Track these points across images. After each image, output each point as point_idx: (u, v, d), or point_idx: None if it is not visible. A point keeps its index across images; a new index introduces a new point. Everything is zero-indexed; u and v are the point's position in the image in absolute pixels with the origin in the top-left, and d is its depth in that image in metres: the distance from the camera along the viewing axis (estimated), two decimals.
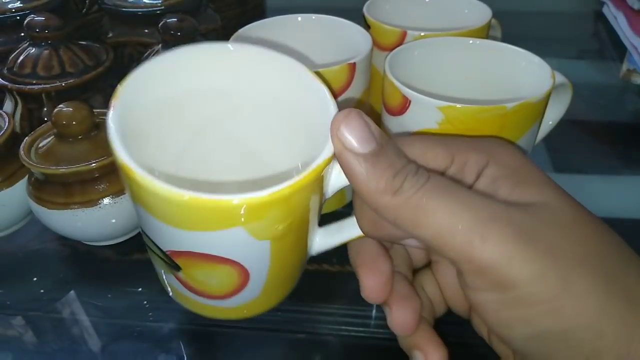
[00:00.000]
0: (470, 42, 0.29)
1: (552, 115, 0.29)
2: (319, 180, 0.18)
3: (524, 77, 0.27)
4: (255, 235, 0.18)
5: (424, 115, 0.24)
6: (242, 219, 0.17)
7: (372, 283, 0.19)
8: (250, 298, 0.22)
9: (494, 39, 0.38)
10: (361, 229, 0.20)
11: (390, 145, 0.16)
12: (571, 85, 0.28)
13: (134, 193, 0.18)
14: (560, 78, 0.27)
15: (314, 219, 0.21)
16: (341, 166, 0.17)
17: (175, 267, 0.20)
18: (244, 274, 0.20)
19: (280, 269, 0.21)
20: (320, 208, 0.21)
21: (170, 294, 0.24)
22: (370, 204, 0.17)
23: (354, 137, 0.16)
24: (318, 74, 0.21)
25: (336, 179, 0.20)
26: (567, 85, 0.28)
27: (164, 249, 0.20)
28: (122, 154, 0.17)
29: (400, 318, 0.19)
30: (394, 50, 0.27)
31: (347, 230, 0.22)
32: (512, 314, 0.15)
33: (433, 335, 0.20)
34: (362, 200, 0.17)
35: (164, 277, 0.22)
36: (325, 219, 0.22)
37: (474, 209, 0.15)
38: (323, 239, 0.23)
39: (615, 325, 0.14)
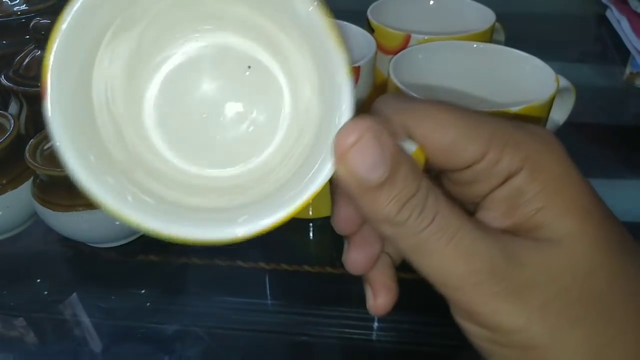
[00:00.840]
0: (474, 46, 0.29)
1: (556, 119, 0.29)
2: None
3: (528, 80, 0.27)
4: None
5: None
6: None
7: (357, 258, 0.18)
8: None
9: (498, 42, 0.38)
10: (334, 226, 0.18)
11: (402, 167, 0.14)
12: (574, 89, 0.28)
13: None
14: (563, 82, 0.27)
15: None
16: (342, 187, 0.15)
17: None
18: None
19: None
20: None
21: None
22: (371, 225, 0.16)
23: (363, 163, 0.14)
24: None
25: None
26: (570, 89, 0.28)
27: None
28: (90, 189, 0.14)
29: (383, 307, 0.19)
30: (398, 54, 0.27)
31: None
32: (494, 348, 0.15)
33: (388, 277, 0.19)
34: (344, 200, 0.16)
35: None
36: (322, 222, 0.21)
37: (472, 258, 0.14)
38: None
39: None
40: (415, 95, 0.24)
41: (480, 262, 0.14)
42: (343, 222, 0.17)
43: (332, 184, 0.16)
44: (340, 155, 0.14)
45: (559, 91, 0.26)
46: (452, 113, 0.15)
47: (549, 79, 0.25)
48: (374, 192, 0.14)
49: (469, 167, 0.15)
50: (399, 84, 0.25)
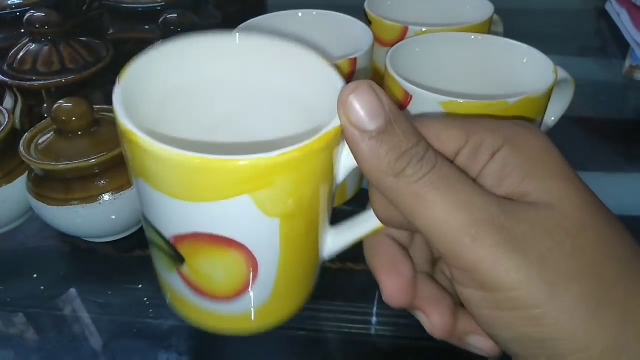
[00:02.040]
0: (472, 37, 0.29)
1: (555, 111, 0.29)
2: (328, 150, 0.17)
3: (526, 72, 0.27)
4: (263, 208, 0.17)
5: (425, 110, 0.24)
6: (249, 185, 0.16)
7: (393, 286, 0.19)
8: (260, 300, 0.20)
9: (496, 34, 0.38)
10: (374, 212, 0.19)
11: (401, 121, 0.15)
12: (573, 80, 0.27)
13: (136, 162, 0.17)
14: (562, 73, 0.27)
15: (324, 203, 0.19)
16: (346, 140, 0.16)
17: (179, 259, 0.19)
18: (252, 263, 0.18)
19: (290, 261, 0.19)
20: (332, 194, 0.19)
21: (168, 300, 0.22)
22: (373, 182, 0.16)
23: (362, 110, 0.15)
24: (331, 63, 0.20)
25: (346, 159, 0.18)
26: (569, 81, 0.27)
27: (168, 236, 0.18)
28: (124, 120, 0.16)
29: (440, 323, 0.19)
30: (395, 46, 0.27)
31: (359, 226, 0.21)
32: (494, 314, 0.15)
33: (433, 289, 0.19)
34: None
35: (166, 277, 0.21)
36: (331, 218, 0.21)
37: (471, 208, 0.15)
38: (336, 238, 0.21)
39: (602, 342, 0.14)
40: (411, 86, 0.24)
41: (479, 212, 0.15)
42: (394, 294, 0.18)
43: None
44: (341, 104, 0.15)
45: (558, 83, 0.25)
46: (437, 117, 0.18)
47: (548, 70, 0.25)
48: (374, 142, 0.15)
49: (459, 152, 0.17)
50: (395, 76, 0.25)
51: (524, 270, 0.14)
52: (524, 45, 0.27)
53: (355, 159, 0.16)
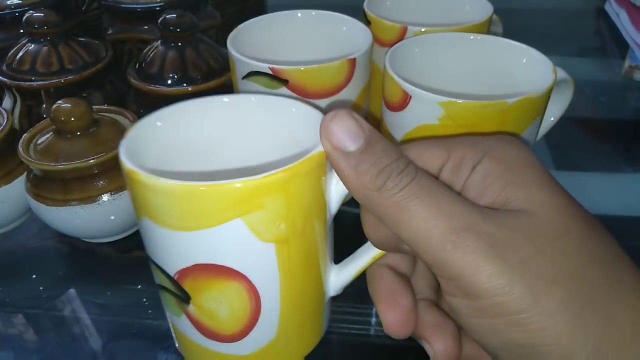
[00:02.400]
0: (471, 37, 0.29)
1: (554, 112, 0.29)
2: (315, 174, 0.18)
3: (526, 72, 0.27)
4: (257, 233, 0.18)
5: (424, 110, 0.24)
6: (241, 209, 0.17)
7: (392, 319, 0.19)
8: (266, 340, 0.21)
9: (495, 35, 0.38)
10: (367, 235, 0.20)
11: (380, 141, 0.17)
12: (573, 81, 0.27)
13: (139, 200, 0.18)
14: (562, 74, 0.27)
15: (320, 232, 0.20)
16: (331, 164, 0.17)
17: (185, 298, 0.20)
18: (254, 294, 0.19)
19: (293, 292, 0.20)
20: (328, 227, 0.20)
21: (178, 346, 0.23)
22: (359, 199, 0.17)
23: (342, 134, 0.16)
24: (315, 105, 0.21)
25: (336, 188, 0.19)
26: (568, 81, 0.27)
27: (172, 273, 0.19)
28: (127, 162, 0.18)
29: (444, 350, 0.19)
30: (394, 46, 0.27)
31: (360, 257, 0.22)
32: (481, 322, 0.15)
33: (435, 317, 0.19)
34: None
35: (175, 322, 0.21)
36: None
37: (452, 216, 0.15)
38: (339, 273, 0.22)
39: (587, 348, 0.14)
40: (411, 86, 0.24)
41: (460, 219, 0.15)
42: (394, 326, 0.19)
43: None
44: (323, 131, 0.17)
45: (557, 83, 0.25)
46: (417, 141, 0.19)
47: (547, 70, 0.25)
48: (356, 162, 0.16)
49: (442, 168, 0.18)
50: (395, 76, 0.25)
51: (506, 276, 0.14)
52: (524, 46, 0.27)
53: (341, 180, 0.17)
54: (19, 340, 0.26)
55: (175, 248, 0.18)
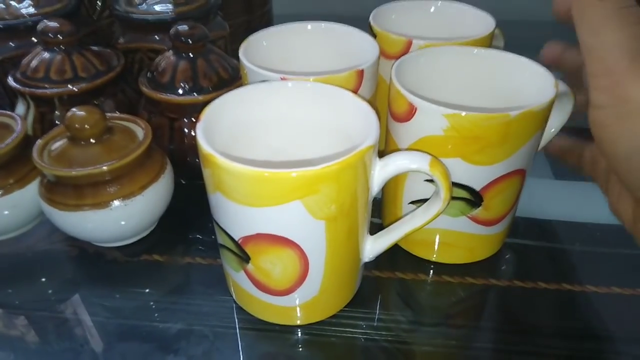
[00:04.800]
0: (475, 51, 0.29)
1: (555, 123, 0.30)
2: (363, 164, 0.21)
3: (528, 85, 0.27)
4: (312, 212, 0.21)
5: (429, 122, 0.25)
6: (300, 193, 0.20)
7: None
8: (310, 295, 0.25)
9: (497, 48, 0.38)
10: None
11: None
12: (573, 93, 0.28)
13: (214, 179, 0.21)
14: (563, 87, 0.27)
15: (362, 211, 0.23)
16: None
17: (246, 258, 0.23)
18: (304, 260, 0.23)
19: (336, 259, 0.23)
20: (368, 203, 0.24)
21: (234, 297, 0.27)
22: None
23: None
24: (362, 97, 0.25)
25: (379, 173, 0.23)
26: (569, 94, 0.28)
27: (237, 238, 0.23)
28: (206, 147, 0.21)
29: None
30: (401, 59, 0.28)
31: (393, 232, 0.26)
32: (621, 126, 0.18)
33: None
34: None
35: (234, 277, 0.26)
36: None
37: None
38: (374, 243, 0.26)
39: None
40: (416, 98, 0.25)
41: None
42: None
43: None
44: None
45: (558, 96, 0.26)
46: None
47: (549, 84, 0.26)
48: None
49: None
50: (401, 88, 0.25)
51: None
52: (526, 59, 0.28)
53: None
54: (27, 342, 0.27)
55: (242, 219, 0.22)
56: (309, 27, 0.33)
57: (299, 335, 0.26)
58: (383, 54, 0.32)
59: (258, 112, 0.26)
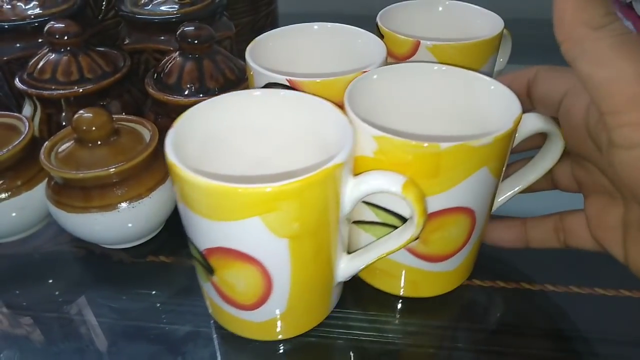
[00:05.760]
0: (435, 68, 0.27)
1: (543, 166, 0.26)
2: (331, 182, 0.20)
3: (492, 106, 0.25)
4: (272, 229, 0.20)
5: (361, 142, 0.22)
6: (259, 209, 0.19)
7: None
8: (277, 312, 0.23)
9: (505, 48, 0.38)
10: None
11: None
12: (561, 133, 0.24)
13: (178, 189, 0.21)
14: (548, 125, 0.24)
15: (333, 229, 0.22)
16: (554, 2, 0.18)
17: (210, 270, 0.22)
18: (267, 277, 0.22)
19: (302, 279, 0.22)
20: (340, 222, 0.22)
21: (210, 310, 0.26)
22: (564, 31, 0.18)
23: None
24: (341, 108, 0.24)
25: (352, 191, 0.21)
26: (557, 135, 0.24)
27: (201, 249, 0.22)
28: (170, 155, 0.21)
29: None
30: (354, 80, 0.25)
31: (370, 251, 0.24)
32: None
33: None
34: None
35: (204, 287, 0.25)
36: None
37: None
38: (350, 263, 0.25)
39: None
40: (353, 115, 0.22)
41: None
42: None
43: None
44: None
45: (548, 137, 0.24)
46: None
47: (513, 105, 0.23)
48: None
49: None
50: (347, 104, 0.23)
51: None
52: (489, 79, 0.25)
53: (556, 19, 0.18)
54: (34, 343, 0.27)
55: (203, 231, 0.21)
56: (316, 27, 0.32)
57: (284, 346, 0.25)
58: (390, 54, 0.32)
59: (235, 122, 0.26)
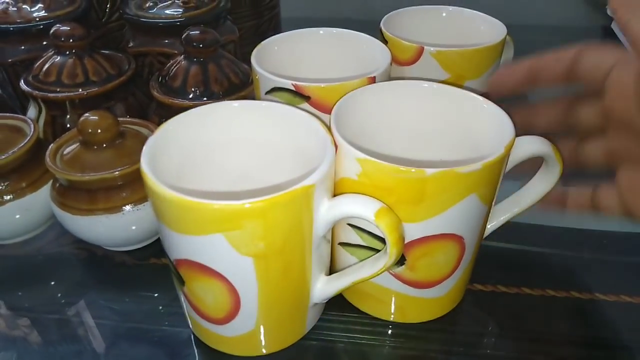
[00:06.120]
0: (425, 85, 0.26)
1: (531, 195, 0.26)
2: (299, 204, 0.19)
3: (484, 127, 0.24)
4: (236, 247, 0.20)
5: (346, 163, 0.22)
6: (222, 226, 0.19)
7: None
8: (246, 328, 0.23)
9: (507, 54, 0.38)
10: None
11: None
12: (559, 156, 0.23)
13: (151, 201, 0.21)
14: (544, 147, 0.23)
15: (305, 250, 0.21)
16: None
17: (181, 280, 0.23)
18: (234, 294, 0.22)
19: (270, 297, 0.22)
20: (314, 243, 0.22)
21: (190, 325, 0.26)
22: None
23: None
24: (321, 121, 0.23)
25: (327, 213, 0.21)
26: (554, 158, 0.23)
27: (172, 259, 0.22)
28: (143, 165, 0.20)
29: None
30: (342, 99, 0.25)
31: (349, 275, 0.24)
32: None
33: None
34: None
35: (180, 296, 0.25)
36: None
37: None
38: (327, 285, 0.24)
39: None
40: (339, 137, 0.22)
41: None
42: None
43: None
44: None
45: (545, 163, 0.24)
46: None
47: (506, 127, 0.22)
48: None
49: None
50: (333, 125, 0.23)
51: None
52: (481, 98, 0.25)
53: None
54: (36, 344, 0.27)
55: (172, 242, 0.21)
56: (321, 32, 0.33)
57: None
58: (394, 60, 0.32)
59: (217, 134, 0.25)
